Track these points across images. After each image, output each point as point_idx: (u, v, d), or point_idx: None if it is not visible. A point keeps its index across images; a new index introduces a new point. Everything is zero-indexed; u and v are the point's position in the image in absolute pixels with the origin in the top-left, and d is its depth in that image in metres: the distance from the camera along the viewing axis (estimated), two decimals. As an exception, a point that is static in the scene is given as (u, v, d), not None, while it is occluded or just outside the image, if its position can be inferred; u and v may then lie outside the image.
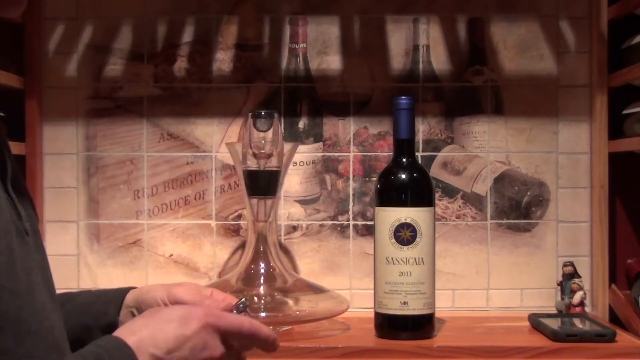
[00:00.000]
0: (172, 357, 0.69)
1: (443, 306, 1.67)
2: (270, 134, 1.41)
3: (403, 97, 1.41)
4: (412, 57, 1.70)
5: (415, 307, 1.38)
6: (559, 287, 1.63)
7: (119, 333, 0.71)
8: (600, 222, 1.65)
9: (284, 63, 1.69)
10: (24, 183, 0.75)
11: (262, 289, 1.45)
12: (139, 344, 0.69)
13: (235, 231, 1.68)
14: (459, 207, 1.69)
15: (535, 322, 1.48)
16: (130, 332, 0.71)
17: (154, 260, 1.67)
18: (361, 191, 1.68)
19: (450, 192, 1.69)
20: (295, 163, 1.66)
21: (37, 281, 0.68)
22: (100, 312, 0.90)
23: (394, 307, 1.38)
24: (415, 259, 1.38)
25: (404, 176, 1.42)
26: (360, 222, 1.68)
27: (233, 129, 1.68)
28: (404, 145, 1.43)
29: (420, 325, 1.40)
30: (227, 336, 0.75)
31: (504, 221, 1.69)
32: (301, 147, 1.66)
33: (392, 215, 1.38)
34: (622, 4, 1.63)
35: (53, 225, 1.67)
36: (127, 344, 0.69)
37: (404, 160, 1.43)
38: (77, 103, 1.68)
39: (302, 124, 1.69)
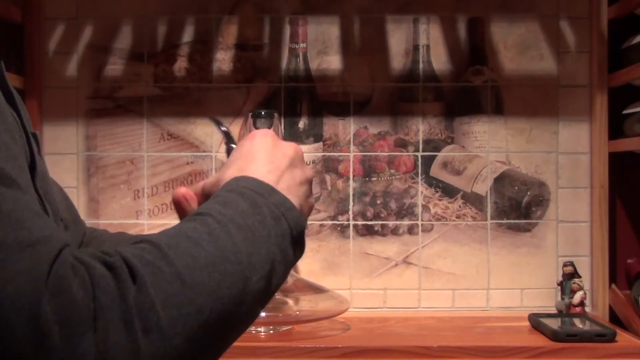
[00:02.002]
0: (279, 166, 0.71)
1: (443, 306, 1.67)
2: (270, 134, 1.41)
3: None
4: (412, 57, 1.70)
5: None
6: (559, 287, 1.63)
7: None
8: (600, 222, 1.65)
9: (284, 63, 1.69)
10: (50, 180, 0.75)
11: (262, 289, 1.45)
12: (255, 174, 0.69)
13: (235, 231, 1.68)
14: (459, 207, 1.69)
15: (535, 322, 1.48)
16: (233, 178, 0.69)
17: (154, 260, 1.67)
18: (361, 191, 1.68)
19: (450, 192, 1.69)
20: (295, 163, 1.66)
21: None
22: None
23: None
24: None
25: None
26: (360, 222, 1.68)
27: (233, 129, 1.68)
28: None
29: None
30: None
31: (504, 221, 1.69)
32: (301, 147, 1.66)
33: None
34: (622, 4, 1.63)
35: (53, 225, 1.67)
36: (246, 176, 0.68)
37: None
38: (77, 103, 1.68)
39: (302, 124, 1.69)
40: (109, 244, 0.88)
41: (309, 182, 0.73)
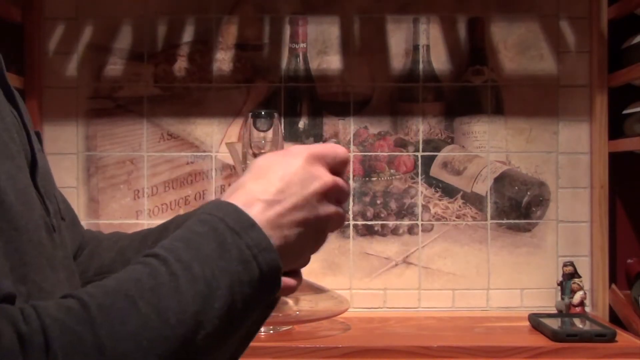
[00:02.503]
0: (285, 196, 0.63)
1: (443, 306, 1.67)
2: (270, 134, 1.41)
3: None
4: (412, 57, 1.70)
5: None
6: (559, 287, 1.63)
7: (222, 197, 0.65)
8: (600, 222, 1.65)
9: (284, 63, 1.69)
10: (52, 178, 0.75)
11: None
12: (245, 197, 0.62)
13: (235, 231, 1.68)
14: (459, 207, 1.69)
15: (535, 322, 1.48)
16: (232, 190, 0.64)
17: (154, 260, 1.67)
18: (361, 191, 1.68)
19: (450, 192, 1.69)
20: (295, 163, 1.66)
21: (61, 278, 0.68)
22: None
23: None
24: None
25: None
26: (360, 222, 1.68)
27: (233, 129, 1.68)
28: None
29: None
30: (329, 163, 0.67)
31: (504, 221, 1.69)
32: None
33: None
34: (622, 4, 1.63)
35: (53, 225, 1.67)
36: (230, 202, 0.62)
37: None
38: (77, 103, 1.68)
39: (302, 124, 1.69)
40: (106, 243, 0.87)
41: (330, 222, 0.66)
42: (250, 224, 0.60)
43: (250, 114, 1.42)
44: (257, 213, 0.62)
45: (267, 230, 0.61)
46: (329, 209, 0.66)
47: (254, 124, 1.40)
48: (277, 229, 0.62)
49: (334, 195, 0.66)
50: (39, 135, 0.73)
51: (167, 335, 0.52)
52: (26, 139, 0.67)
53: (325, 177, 0.66)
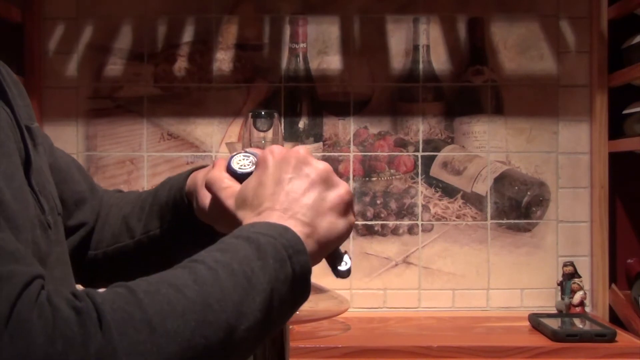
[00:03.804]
0: (317, 214, 0.66)
1: (443, 306, 1.67)
2: (270, 134, 1.41)
3: None
4: (412, 57, 1.70)
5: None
6: (559, 287, 1.63)
7: (262, 213, 0.65)
8: (600, 222, 1.65)
9: (284, 63, 1.69)
10: (47, 174, 0.75)
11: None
12: (271, 212, 0.64)
13: (235, 231, 1.68)
14: (459, 207, 1.69)
15: (535, 322, 1.48)
16: (270, 208, 0.65)
17: (154, 260, 1.67)
18: (361, 191, 1.68)
19: (450, 192, 1.69)
20: (295, 163, 1.66)
21: (56, 276, 0.68)
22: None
23: None
24: None
25: None
26: (360, 222, 1.68)
27: (233, 129, 1.68)
28: None
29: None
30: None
31: (504, 221, 1.69)
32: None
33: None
34: (622, 4, 1.63)
35: (53, 225, 1.67)
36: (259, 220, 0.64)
37: None
38: (77, 103, 1.68)
39: (302, 123, 1.69)
40: (114, 211, 0.86)
41: (344, 203, 0.67)
42: (283, 229, 0.62)
43: (250, 113, 1.42)
44: (287, 218, 0.64)
45: (302, 236, 0.63)
46: (340, 186, 0.68)
47: (254, 124, 1.40)
48: (308, 234, 0.64)
49: (327, 182, 0.68)
50: (30, 131, 0.73)
51: (212, 320, 0.53)
52: (19, 137, 0.67)
53: (315, 167, 0.68)
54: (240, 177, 0.72)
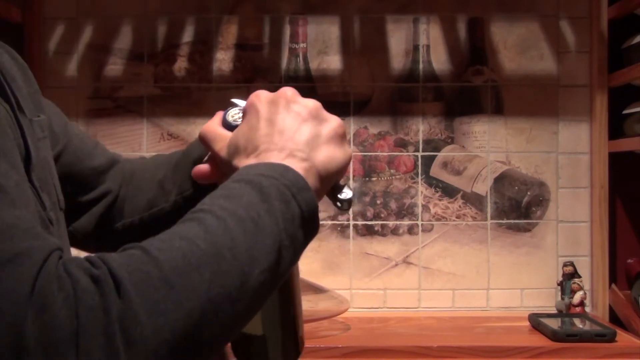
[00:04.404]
0: (314, 148, 0.67)
1: (443, 306, 1.67)
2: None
3: None
4: (412, 57, 1.70)
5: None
6: (559, 287, 1.63)
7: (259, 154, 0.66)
8: (600, 222, 1.65)
9: (284, 63, 1.69)
10: (49, 168, 0.74)
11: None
12: (271, 153, 0.65)
13: (235, 231, 1.68)
14: (459, 207, 1.69)
15: (535, 322, 1.48)
16: (249, 150, 0.66)
17: (154, 260, 1.67)
18: (361, 191, 1.68)
19: (450, 192, 1.69)
20: (295, 163, 1.66)
21: None
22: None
23: None
24: None
25: None
26: (360, 222, 1.68)
27: (233, 129, 1.68)
28: None
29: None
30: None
31: (504, 221, 1.69)
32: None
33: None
34: (622, 4, 1.63)
35: (53, 225, 1.67)
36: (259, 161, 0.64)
37: None
38: (77, 103, 1.68)
39: (302, 124, 1.69)
40: (148, 176, 0.86)
41: (338, 135, 0.69)
42: (284, 168, 0.63)
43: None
44: (285, 157, 0.65)
45: (302, 172, 0.63)
46: (331, 120, 0.70)
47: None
48: (307, 168, 0.65)
49: (319, 117, 0.70)
50: (32, 123, 0.73)
51: (226, 269, 0.54)
52: (19, 132, 0.66)
53: (304, 104, 0.69)
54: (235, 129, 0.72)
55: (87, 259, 0.52)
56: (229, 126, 0.73)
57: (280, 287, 0.64)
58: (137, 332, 0.49)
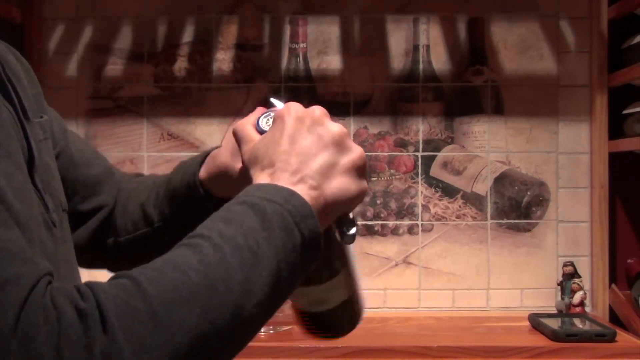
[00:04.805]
0: (327, 177, 0.65)
1: (443, 306, 1.67)
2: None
3: None
4: (412, 57, 1.70)
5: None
6: (559, 287, 1.63)
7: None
8: (600, 222, 1.65)
9: (284, 63, 1.69)
10: (52, 169, 0.74)
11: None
12: (279, 174, 0.64)
13: (235, 231, 1.68)
14: (459, 207, 1.69)
15: (535, 322, 1.48)
16: (259, 167, 0.65)
17: (154, 260, 1.67)
18: (361, 191, 1.68)
19: (450, 192, 1.69)
20: (295, 163, 1.66)
21: (62, 274, 0.68)
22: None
23: None
24: None
25: None
26: (360, 222, 1.68)
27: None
28: None
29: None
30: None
31: (504, 221, 1.69)
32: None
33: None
34: (622, 4, 1.63)
35: (53, 225, 1.67)
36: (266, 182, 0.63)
37: None
38: (77, 103, 1.68)
39: (302, 124, 1.69)
40: (133, 195, 0.86)
41: (356, 167, 0.66)
42: (289, 194, 0.61)
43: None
44: (295, 182, 0.63)
45: (309, 200, 0.62)
46: (354, 150, 0.67)
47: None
48: (316, 197, 0.63)
49: (343, 145, 0.68)
50: (46, 123, 0.73)
51: (218, 303, 0.53)
52: (22, 134, 0.66)
53: (329, 129, 0.68)
54: None
55: (76, 287, 0.51)
56: (259, 129, 0.73)
57: (327, 271, 0.64)
58: None
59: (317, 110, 0.69)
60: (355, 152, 0.67)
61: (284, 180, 0.63)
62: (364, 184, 0.67)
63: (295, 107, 0.69)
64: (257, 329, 0.57)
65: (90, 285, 0.51)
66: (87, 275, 0.69)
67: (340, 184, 0.65)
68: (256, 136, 0.71)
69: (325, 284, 0.69)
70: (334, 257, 0.69)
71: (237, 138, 0.73)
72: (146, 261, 0.56)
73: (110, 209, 0.85)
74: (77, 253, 0.84)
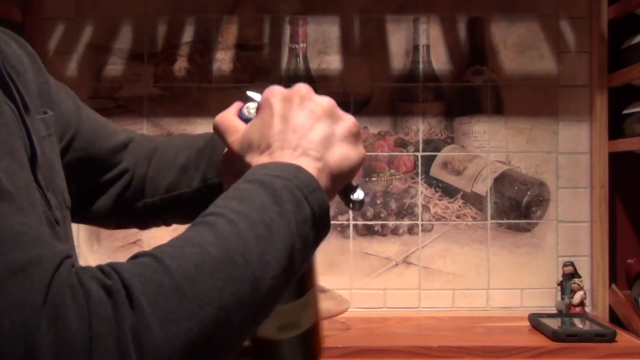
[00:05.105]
0: (327, 147, 0.66)
1: (443, 306, 1.67)
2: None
3: None
4: (412, 57, 1.70)
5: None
6: (559, 287, 1.63)
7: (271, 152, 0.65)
8: (600, 222, 1.65)
9: (284, 63, 1.69)
10: (55, 167, 0.74)
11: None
12: (282, 152, 0.65)
13: (235, 231, 1.68)
14: (459, 207, 1.69)
15: (535, 322, 1.48)
16: (260, 148, 0.66)
17: (154, 260, 1.67)
18: (361, 191, 1.68)
19: (450, 192, 1.69)
20: (295, 163, 1.66)
21: None
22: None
23: None
24: None
25: None
26: (360, 222, 1.68)
27: (233, 129, 1.68)
28: None
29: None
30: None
31: (504, 221, 1.69)
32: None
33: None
34: (622, 4, 1.63)
35: (53, 225, 1.67)
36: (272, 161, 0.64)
37: None
38: (77, 103, 1.68)
39: (302, 124, 1.69)
40: (168, 157, 0.86)
41: (352, 134, 0.67)
42: (296, 169, 0.62)
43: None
44: (297, 156, 0.64)
45: (315, 172, 0.63)
46: (346, 119, 0.68)
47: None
48: (321, 168, 0.64)
49: (334, 116, 0.69)
50: (50, 119, 0.73)
51: (238, 276, 0.54)
52: (24, 132, 0.66)
53: (319, 102, 0.68)
54: None
55: (99, 268, 0.52)
56: (244, 119, 0.73)
57: (297, 288, 0.63)
58: (150, 342, 0.49)
59: (303, 88, 0.70)
60: (349, 119, 0.68)
61: (287, 157, 0.64)
62: (362, 149, 0.68)
63: (278, 89, 0.70)
64: (275, 302, 0.59)
65: (113, 265, 0.52)
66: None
67: (341, 152, 0.66)
68: (242, 125, 0.72)
69: (296, 301, 0.69)
70: (304, 274, 0.70)
71: (221, 131, 0.73)
72: (181, 220, 0.57)
73: (132, 174, 0.86)
74: (101, 220, 0.87)
